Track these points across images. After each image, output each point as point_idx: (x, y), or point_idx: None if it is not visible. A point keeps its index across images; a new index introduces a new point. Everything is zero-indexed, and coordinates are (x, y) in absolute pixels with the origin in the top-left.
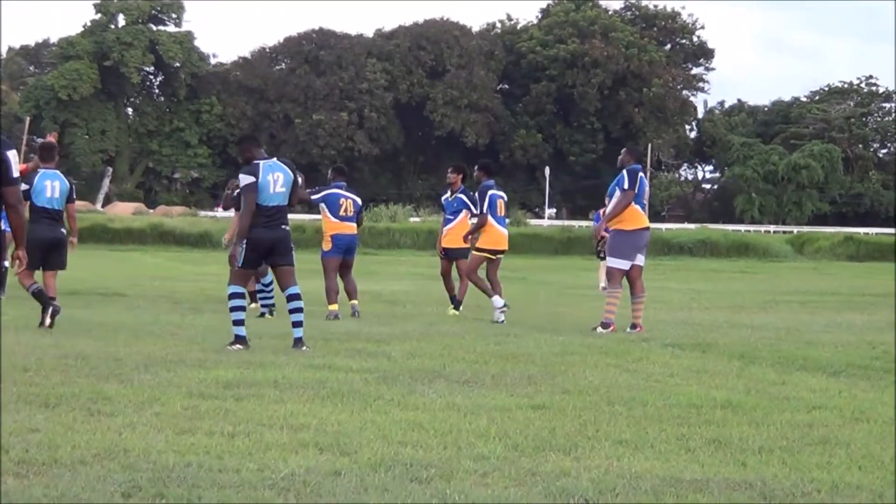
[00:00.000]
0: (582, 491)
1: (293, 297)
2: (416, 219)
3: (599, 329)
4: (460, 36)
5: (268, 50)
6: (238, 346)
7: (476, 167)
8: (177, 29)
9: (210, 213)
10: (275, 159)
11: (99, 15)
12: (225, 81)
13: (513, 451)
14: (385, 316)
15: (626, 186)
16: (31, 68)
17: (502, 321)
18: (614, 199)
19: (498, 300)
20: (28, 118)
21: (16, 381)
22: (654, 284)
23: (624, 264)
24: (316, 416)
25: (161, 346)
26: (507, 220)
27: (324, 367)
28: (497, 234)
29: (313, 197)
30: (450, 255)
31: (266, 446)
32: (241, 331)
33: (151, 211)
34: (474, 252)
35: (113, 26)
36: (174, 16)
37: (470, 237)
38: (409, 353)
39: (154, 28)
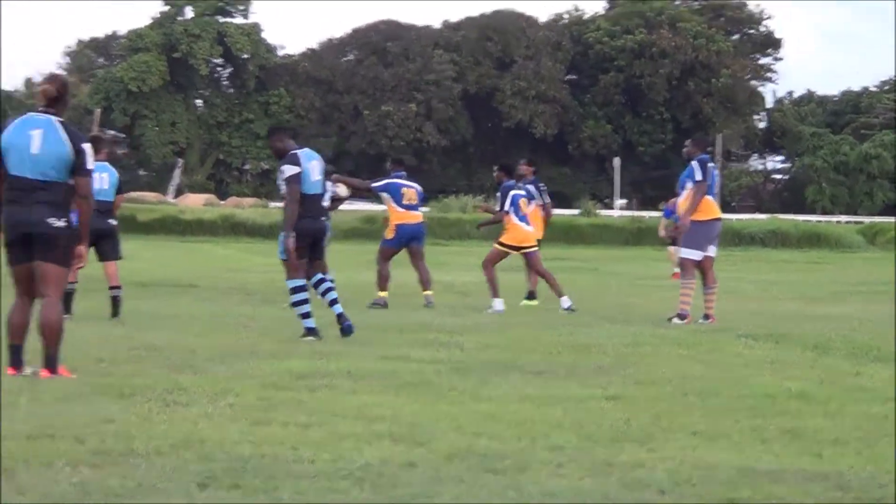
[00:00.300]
0: (657, 482)
1: (321, 281)
2: None
3: (676, 320)
4: (527, 27)
5: (336, 41)
6: (310, 337)
7: (496, 167)
8: (244, 21)
9: (280, 205)
10: (307, 149)
11: (167, 7)
12: (293, 73)
13: (587, 441)
14: (457, 307)
15: (697, 178)
16: (101, 60)
17: (497, 311)
18: (687, 192)
19: (497, 303)
20: (98, 110)
21: (90, 372)
22: (726, 275)
23: (696, 255)
24: (390, 406)
25: (234, 337)
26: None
27: (397, 358)
28: (521, 233)
29: (374, 185)
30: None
31: (340, 437)
32: (311, 322)
33: (222, 202)
34: (496, 246)
35: (181, 18)
36: (242, 7)
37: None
38: (481, 345)
39: (222, 20)
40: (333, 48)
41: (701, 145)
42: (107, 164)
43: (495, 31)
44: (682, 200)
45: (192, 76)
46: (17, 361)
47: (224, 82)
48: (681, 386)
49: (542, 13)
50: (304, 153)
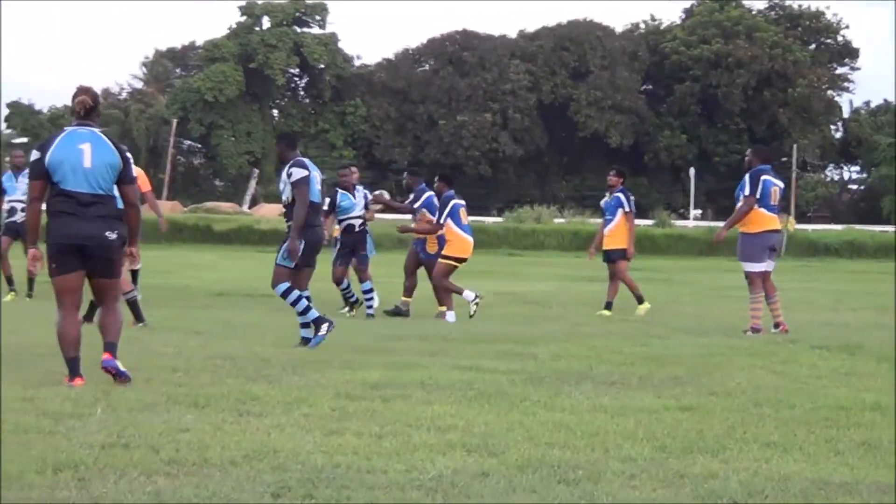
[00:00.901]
0: (730, 493)
1: (290, 292)
2: (561, 220)
3: (749, 333)
4: (603, 37)
5: (411, 51)
6: (325, 326)
7: (437, 177)
8: (321, 31)
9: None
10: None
11: (244, 17)
12: (369, 83)
13: (660, 452)
14: (530, 317)
15: (746, 192)
16: (178, 70)
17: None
18: (738, 204)
19: (469, 293)
20: (175, 120)
21: (165, 382)
22: (801, 285)
23: (759, 266)
24: (463, 417)
25: (308, 347)
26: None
27: (470, 369)
28: (464, 243)
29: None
30: (607, 257)
31: (414, 447)
32: (314, 313)
33: None
34: (441, 260)
35: (258, 28)
36: (318, 18)
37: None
38: (555, 355)
39: (299, 30)
40: (409, 58)
41: (760, 156)
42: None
43: (571, 41)
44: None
45: (269, 86)
46: (77, 371)
47: (300, 92)
48: (754, 397)
49: (618, 23)
50: (309, 161)
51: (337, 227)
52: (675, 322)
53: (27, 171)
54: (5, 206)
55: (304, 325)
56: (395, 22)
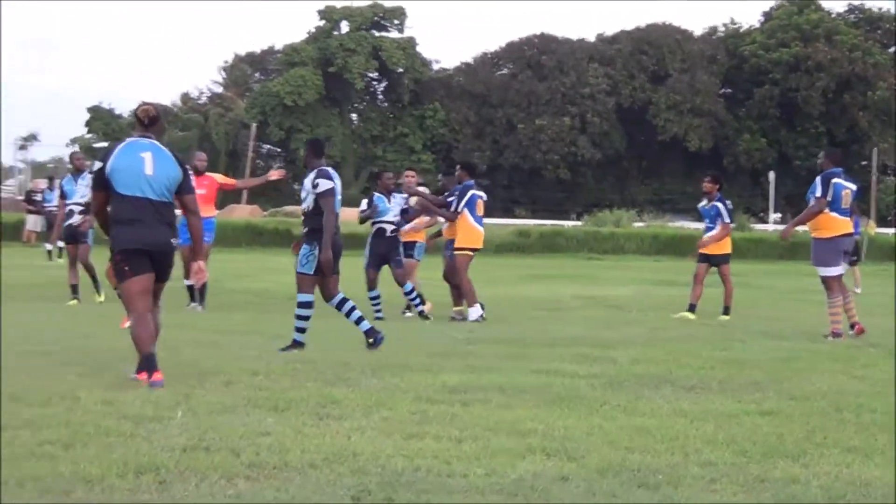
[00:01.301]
0: (811, 498)
1: (343, 301)
2: (640, 223)
3: (830, 338)
4: (682, 40)
5: (490, 55)
6: (295, 350)
7: (458, 166)
8: (400, 35)
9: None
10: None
11: (323, 22)
12: (448, 87)
13: (741, 457)
14: (610, 321)
15: (818, 194)
16: (257, 75)
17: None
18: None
19: (473, 311)
20: (254, 125)
21: (246, 385)
22: (880, 290)
23: (835, 270)
24: (542, 421)
25: (388, 351)
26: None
27: (550, 373)
28: (476, 233)
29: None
30: (712, 261)
31: (493, 451)
32: (302, 337)
33: None
34: (457, 252)
35: (337, 33)
36: (397, 22)
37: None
38: (634, 359)
39: (377, 34)
40: (488, 62)
41: (833, 158)
42: None
43: (650, 45)
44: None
45: (348, 90)
46: (155, 366)
47: (379, 96)
48: (835, 401)
49: (697, 26)
50: (332, 171)
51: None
52: (755, 326)
53: (86, 174)
54: (65, 210)
55: (300, 330)
56: (473, 26)
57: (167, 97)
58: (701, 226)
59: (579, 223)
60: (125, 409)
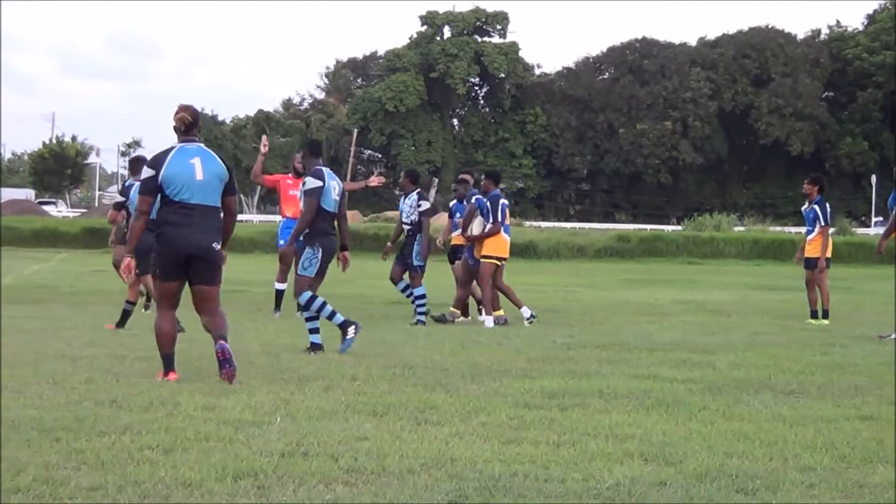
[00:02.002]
0: None
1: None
2: (741, 228)
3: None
4: (785, 44)
5: (592, 60)
6: (352, 329)
7: (484, 175)
8: (502, 40)
9: (535, 223)
10: (328, 168)
11: (425, 27)
12: (549, 91)
13: (840, 462)
14: (709, 326)
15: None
16: (359, 80)
17: (490, 326)
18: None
19: (489, 320)
20: (356, 130)
21: (345, 390)
22: None
23: None
24: (640, 426)
25: (487, 356)
26: None
27: (648, 377)
28: (503, 242)
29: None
30: (807, 264)
31: (591, 456)
32: (339, 317)
33: None
34: (483, 260)
35: (439, 38)
36: (499, 27)
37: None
38: (733, 364)
39: (479, 39)
40: (590, 66)
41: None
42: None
43: (752, 48)
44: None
45: (449, 95)
46: (172, 367)
47: (480, 101)
48: None
49: (800, 29)
50: (328, 171)
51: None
52: (856, 330)
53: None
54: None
55: (314, 331)
56: (575, 30)
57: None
58: (802, 230)
59: (679, 228)
60: (225, 415)
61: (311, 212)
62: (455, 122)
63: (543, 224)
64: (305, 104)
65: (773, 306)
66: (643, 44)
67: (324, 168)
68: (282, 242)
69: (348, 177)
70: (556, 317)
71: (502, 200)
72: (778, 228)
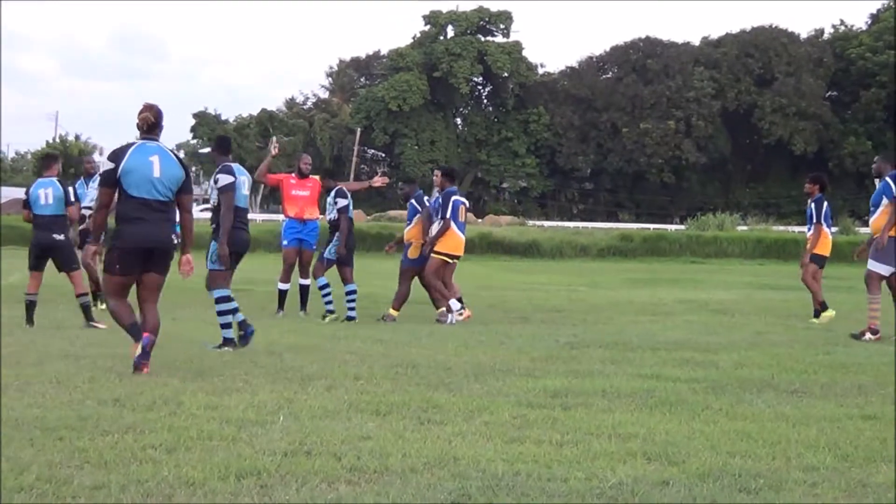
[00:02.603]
0: None
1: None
2: (744, 227)
3: (868, 336)
4: (788, 43)
5: (595, 59)
6: (227, 348)
7: (440, 172)
8: (505, 39)
9: (538, 223)
10: (236, 164)
11: (428, 26)
12: (552, 91)
13: (843, 461)
14: (713, 325)
15: (894, 194)
16: (362, 80)
17: (452, 322)
18: (883, 209)
19: (455, 303)
20: (359, 129)
21: (348, 389)
22: None
23: (883, 269)
24: (644, 425)
25: (490, 355)
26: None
27: (651, 377)
28: (456, 240)
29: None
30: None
31: (594, 455)
32: (229, 332)
33: (479, 220)
34: (434, 255)
35: (442, 38)
36: (502, 26)
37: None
38: (737, 363)
39: (483, 39)
40: (593, 66)
41: (891, 160)
42: (53, 179)
43: (756, 48)
44: (875, 218)
45: (453, 95)
46: (139, 335)
47: (483, 100)
48: None
49: (803, 29)
50: (236, 167)
51: None
52: (859, 329)
53: (97, 177)
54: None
55: (226, 326)
56: (578, 30)
57: (273, 103)
58: (805, 229)
59: (682, 227)
60: (228, 414)
61: (230, 209)
62: (458, 121)
63: (547, 223)
64: (309, 103)
65: (776, 306)
66: (647, 43)
67: (233, 164)
68: (285, 243)
69: (352, 176)
70: (559, 316)
71: (454, 198)
72: (781, 228)
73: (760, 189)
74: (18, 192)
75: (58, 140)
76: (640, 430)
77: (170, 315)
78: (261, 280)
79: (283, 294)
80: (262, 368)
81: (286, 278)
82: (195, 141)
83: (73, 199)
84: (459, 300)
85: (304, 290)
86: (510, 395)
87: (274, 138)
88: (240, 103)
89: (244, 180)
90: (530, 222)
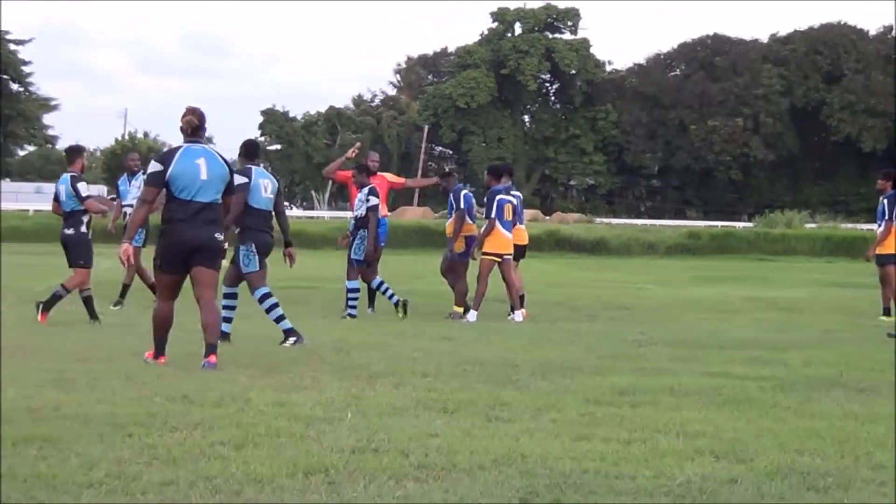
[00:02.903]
0: None
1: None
2: (813, 225)
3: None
4: (857, 40)
5: (663, 56)
6: (291, 338)
7: (486, 171)
8: (573, 36)
9: (605, 220)
10: (262, 167)
11: (496, 23)
12: (620, 88)
13: None
14: (781, 323)
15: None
16: (430, 77)
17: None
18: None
19: (472, 314)
20: (426, 126)
21: (415, 387)
22: None
23: None
24: (711, 423)
25: (558, 352)
26: (523, 223)
27: (720, 375)
28: (503, 239)
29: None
30: (878, 261)
31: (661, 453)
32: (288, 324)
33: (547, 218)
34: (482, 256)
35: (510, 35)
36: (570, 23)
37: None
38: (805, 361)
39: (550, 36)
40: (661, 63)
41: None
42: (67, 176)
43: (824, 45)
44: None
45: (520, 92)
46: (163, 351)
47: (551, 98)
48: None
49: (872, 26)
50: (259, 170)
51: None
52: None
53: (139, 175)
54: (121, 210)
55: (280, 319)
56: (646, 27)
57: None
58: (875, 227)
59: (750, 224)
60: (296, 411)
61: (236, 208)
62: (526, 118)
63: (614, 221)
64: (377, 101)
65: (844, 303)
66: (714, 40)
67: (254, 167)
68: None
69: (419, 173)
70: (627, 314)
71: (499, 197)
72: (850, 225)
73: (829, 186)
74: (90, 190)
75: (126, 137)
76: (708, 428)
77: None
78: (328, 278)
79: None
80: (329, 365)
81: (354, 276)
82: (263, 139)
83: (83, 194)
84: (521, 297)
85: (371, 289)
86: (578, 392)
87: (358, 143)
88: (308, 100)
89: (266, 184)
90: (598, 219)
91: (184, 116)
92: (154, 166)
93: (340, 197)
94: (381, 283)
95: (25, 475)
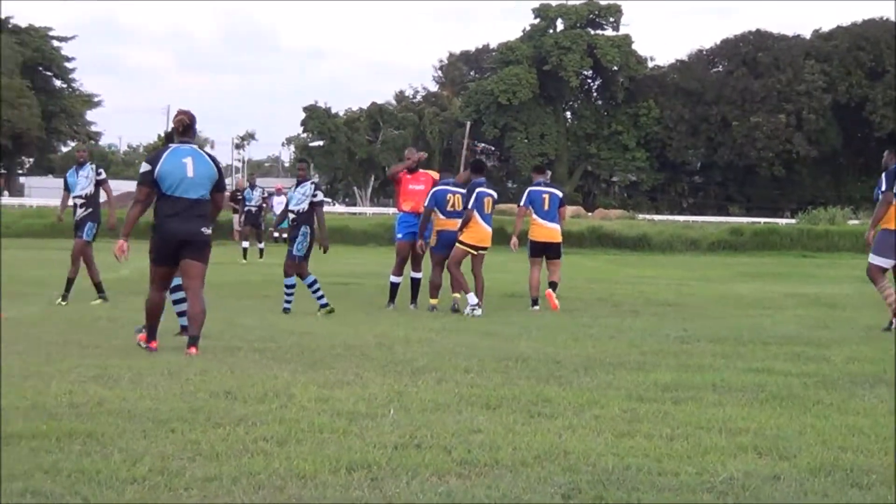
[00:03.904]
0: None
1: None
2: (856, 221)
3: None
4: None
5: (705, 52)
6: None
7: (470, 166)
8: (615, 32)
9: (648, 216)
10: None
11: (538, 20)
12: (662, 84)
13: None
14: (824, 319)
15: (883, 188)
16: (472, 73)
17: (478, 315)
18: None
19: (472, 297)
20: (468, 123)
21: (458, 382)
22: None
23: (884, 262)
24: (754, 419)
25: (600, 348)
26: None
27: (762, 371)
28: (481, 231)
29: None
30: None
31: (704, 450)
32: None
33: (589, 214)
34: (457, 245)
35: (552, 31)
36: (612, 19)
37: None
38: (848, 358)
39: (592, 32)
40: (703, 59)
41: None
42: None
43: (867, 41)
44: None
45: (562, 88)
46: (154, 336)
47: (593, 94)
48: None
49: None
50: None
51: None
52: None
53: (87, 166)
54: (70, 203)
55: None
56: (688, 23)
57: (382, 96)
58: None
59: (793, 221)
60: (339, 406)
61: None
62: (568, 114)
63: (656, 217)
64: (419, 97)
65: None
66: (757, 36)
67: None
68: (399, 236)
69: (461, 169)
70: (670, 310)
71: (479, 189)
72: None
73: (872, 183)
74: (130, 186)
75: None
76: (751, 425)
77: (279, 307)
78: (371, 273)
79: (394, 287)
80: (372, 361)
81: (399, 271)
82: (305, 135)
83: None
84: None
85: (415, 284)
86: (620, 388)
87: (421, 154)
88: (350, 97)
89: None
90: (640, 216)
91: (176, 117)
92: (143, 167)
93: (382, 193)
94: (314, 283)
95: (69, 470)
